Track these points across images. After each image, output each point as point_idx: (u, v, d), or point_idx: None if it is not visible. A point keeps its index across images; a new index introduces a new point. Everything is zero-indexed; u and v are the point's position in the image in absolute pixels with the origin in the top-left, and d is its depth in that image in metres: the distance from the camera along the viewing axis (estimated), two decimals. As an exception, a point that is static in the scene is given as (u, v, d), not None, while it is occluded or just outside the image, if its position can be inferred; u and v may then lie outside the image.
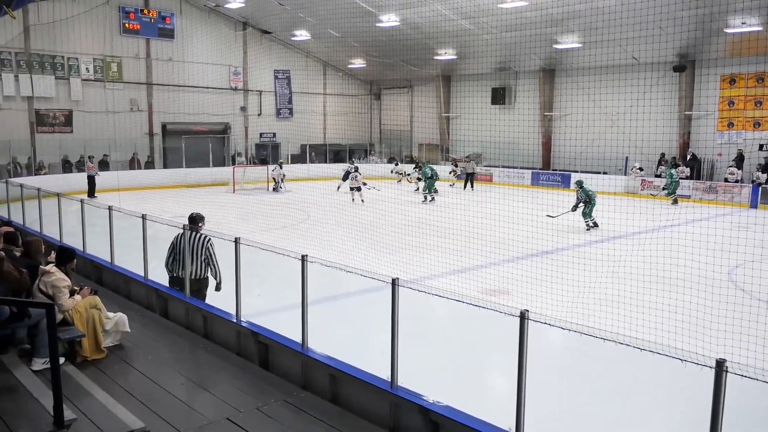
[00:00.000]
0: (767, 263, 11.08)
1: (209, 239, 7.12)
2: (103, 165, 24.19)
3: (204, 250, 7.10)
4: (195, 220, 7.38)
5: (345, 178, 23.65)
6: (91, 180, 21.21)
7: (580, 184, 16.24)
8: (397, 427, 4.82)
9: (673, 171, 20.94)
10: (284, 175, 24.48)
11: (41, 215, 11.69)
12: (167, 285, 7.49)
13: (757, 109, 21.72)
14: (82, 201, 9.75)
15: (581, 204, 15.83)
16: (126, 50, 25.72)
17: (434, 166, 23.61)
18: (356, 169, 22.38)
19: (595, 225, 15.72)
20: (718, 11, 18.36)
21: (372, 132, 35.34)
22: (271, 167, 24.89)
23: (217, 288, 7.21)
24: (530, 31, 22.17)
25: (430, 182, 21.89)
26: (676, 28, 18.78)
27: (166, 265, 7.33)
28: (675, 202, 20.52)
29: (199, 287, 7.21)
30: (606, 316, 7.47)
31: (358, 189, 21.42)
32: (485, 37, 23.88)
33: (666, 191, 20.86)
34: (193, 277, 7.04)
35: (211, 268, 7.15)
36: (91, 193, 20.54)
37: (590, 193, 15.82)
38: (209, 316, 6.89)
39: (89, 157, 22.25)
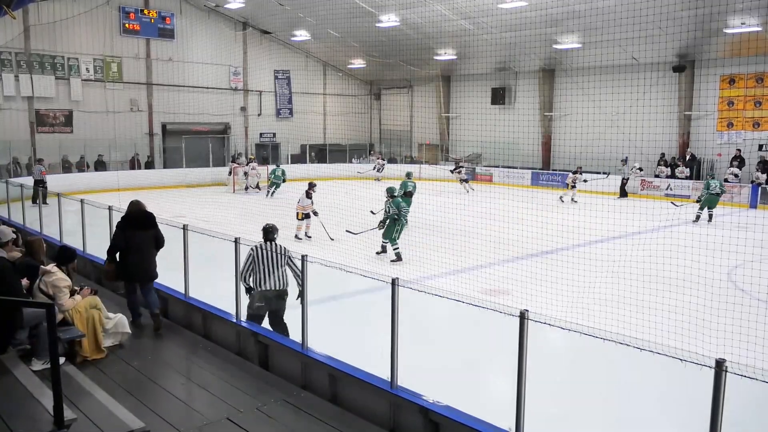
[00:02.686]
0: (767, 263, 11.07)
1: (286, 249, 6.82)
2: (100, 165, 24.22)
3: (285, 259, 6.74)
4: (271, 231, 6.93)
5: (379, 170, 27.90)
6: (43, 185, 17.96)
7: (391, 192, 12.80)
8: (397, 427, 4.83)
9: (711, 182, 17.45)
10: (247, 174, 24.34)
11: (41, 215, 11.70)
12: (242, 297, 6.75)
13: (756, 110, 21.72)
14: (82, 201, 9.75)
15: (388, 219, 12.21)
16: (126, 50, 25.71)
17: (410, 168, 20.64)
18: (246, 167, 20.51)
19: (383, 250, 12.37)
20: (718, 11, 18.35)
21: (372, 132, 35.35)
22: (248, 167, 24.64)
23: (300, 296, 6.72)
24: (530, 31, 22.17)
25: (405, 201, 14.80)
26: (676, 28, 18.78)
27: (243, 279, 6.75)
28: (697, 218, 17.29)
29: (282, 299, 6.80)
30: (606, 316, 7.47)
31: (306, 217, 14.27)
32: (485, 37, 23.88)
33: (699, 201, 17.59)
34: (275, 288, 6.65)
35: (296, 277, 6.61)
36: (44, 198, 16.74)
37: (402, 206, 12.25)
38: (209, 316, 6.90)
39: (39, 161, 20.11)
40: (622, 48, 20.40)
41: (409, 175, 16.96)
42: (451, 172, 25.41)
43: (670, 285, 9.47)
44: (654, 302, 8.50)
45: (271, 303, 6.66)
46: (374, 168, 28.57)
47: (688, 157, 23.13)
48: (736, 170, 21.12)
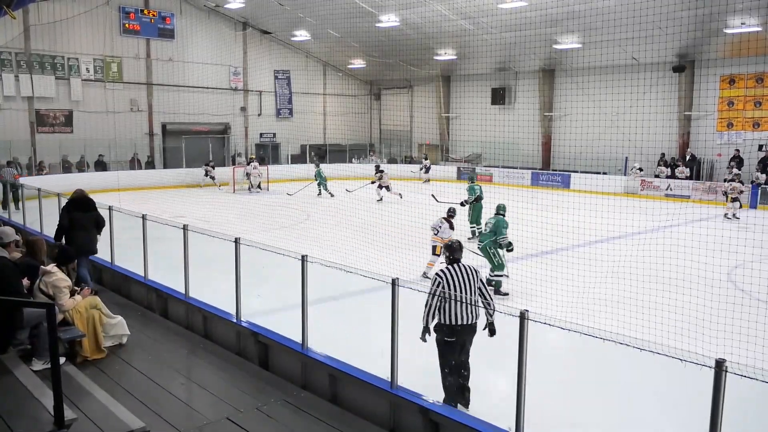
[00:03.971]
0: (767, 263, 11.07)
1: (477, 270, 5.57)
2: (100, 165, 24.23)
3: (478, 283, 5.42)
4: (459, 250, 5.66)
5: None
6: (15, 188, 16.60)
7: (500, 209, 10.16)
8: (397, 427, 4.83)
9: None
10: (249, 174, 24.35)
11: (41, 215, 11.69)
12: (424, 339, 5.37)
13: (756, 110, 21.72)
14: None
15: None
16: (126, 50, 25.72)
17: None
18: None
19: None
20: (718, 11, 18.36)
21: (372, 132, 35.36)
22: (249, 166, 24.60)
23: (491, 331, 5.45)
24: (530, 31, 22.18)
25: (476, 207, 14.14)
26: (676, 28, 18.78)
27: (428, 316, 5.29)
28: None
29: (473, 334, 5.46)
30: (606, 316, 7.47)
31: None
32: (485, 37, 23.89)
33: None
34: (467, 322, 5.32)
35: (487, 306, 5.43)
36: (16, 203, 16.30)
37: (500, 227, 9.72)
38: (209, 316, 6.90)
39: (9, 163, 18.87)
40: (622, 48, 20.40)
41: (472, 178, 15.12)
42: (374, 181, 21.49)
43: (670, 285, 9.46)
44: (654, 302, 8.49)
45: (462, 341, 5.37)
46: (420, 169, 28.48)
47: (688, 157, 23.14)
48: (736, 171, 21.11)
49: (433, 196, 15.58)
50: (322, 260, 5.63)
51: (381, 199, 20.64)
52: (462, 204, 14.05)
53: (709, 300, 8.12)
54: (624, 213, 13.58)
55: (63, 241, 7.94)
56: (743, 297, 9.20)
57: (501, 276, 9.64)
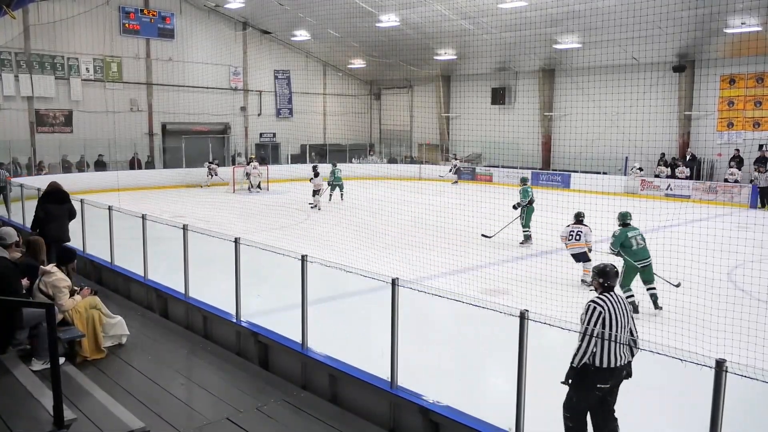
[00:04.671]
0: (767, 263, 11.07)
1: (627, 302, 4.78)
2: (100, 165, 24.23)
3: (630, 320, 4.53)
4: (616, 276, 4.79)
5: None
6: (7, 190, 16.88)
7: (623, 217, 9.65)
8: (397, 427, 4.83)
9: None
10: (249, 174, 24.24)
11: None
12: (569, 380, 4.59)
13: (756, 110, 21.71)
14: (81, 201, 9.75)
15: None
16: (126, 50, 25.71)
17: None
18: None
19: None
20: (718, 11, 18.35)
21: (372, 132, 35.35)
22: (249, 166, 24.45)
23: (628, 373, 4.60)
24: (530, 31, 22.17)
25: (529, 210, 13.70)
26: (676, 28, 18.78)
27: (584, 353, 4.37)
28: None
29: (621, 380, 4.62)
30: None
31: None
32: (485, 37, 23.88)
33: None
34: (622, 363, 4.47)
35: (630, 342, 4.53)
36: (7, 205, 16.45)
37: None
38: (209, 316, 6.90)
39: (0, 164, 18.71)
40: (622, 48, 20.40)
41: (525, 180, 14.33)
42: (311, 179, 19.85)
43: (671, 285, 9.45)
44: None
45: (613, 387, 4.55)
46: (450, 170, 28.38)
47: (688, 157, 23.13)
48: (735, 171, 21.12)
49: (484, 235, 13.85)
50: (322, 260, 5.63)
51: (315, 206, 19.03)
52: (515, 207, 13.75)
53: (710, 300, 8.12)
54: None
55: (38, 230, 8.33)
56: (743, 297, 9.20)
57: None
